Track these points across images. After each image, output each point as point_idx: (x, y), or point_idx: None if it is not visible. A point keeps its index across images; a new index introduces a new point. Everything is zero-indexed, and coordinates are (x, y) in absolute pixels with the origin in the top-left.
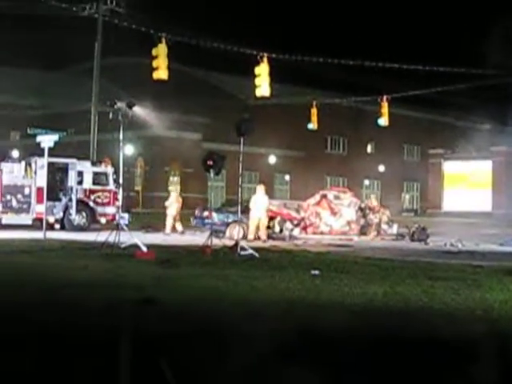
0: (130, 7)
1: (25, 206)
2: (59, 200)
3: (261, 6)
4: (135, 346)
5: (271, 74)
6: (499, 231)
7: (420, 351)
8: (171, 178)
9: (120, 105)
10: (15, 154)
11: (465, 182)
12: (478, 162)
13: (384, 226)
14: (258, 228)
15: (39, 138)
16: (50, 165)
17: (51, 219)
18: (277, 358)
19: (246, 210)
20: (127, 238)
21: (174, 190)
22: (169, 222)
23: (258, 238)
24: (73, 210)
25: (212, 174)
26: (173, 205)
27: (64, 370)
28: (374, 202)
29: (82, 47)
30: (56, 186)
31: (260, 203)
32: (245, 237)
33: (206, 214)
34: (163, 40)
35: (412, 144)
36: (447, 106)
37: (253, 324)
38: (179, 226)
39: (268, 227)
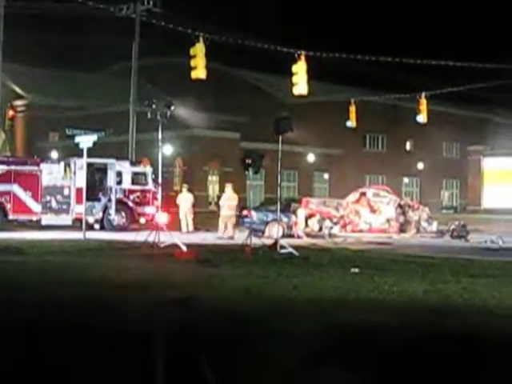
0: (167, 7)
1: (64, 207)
2: (98, 200)
3: (298, 4)
4: (175, 345)
5: (308, 72)
6: None
7: (461, 349)
8: (210, 177)
9: (158, 105)
10: (54, 154)
11: (505, 179)
12: None
13: (424, 224)
14: (226, 225)
15: (78, 139)
16: (89, 165)
17: (91, 219)
18: (316, 357)
19: (285, 209)
20: (167, 237)
21: (186, 187)
22: (183, 221)
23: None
24: (112, 210)
25: (251, 173)
26: (182, 203)
27: (103, 369)
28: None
29: (120, 48)
30: (95, 186)
31: (229, 202)
32: (284, 235)
33: (245, 212)
34: (201, 39)
35: (451, 141)
36: (486, 102)
37: (293, 323)
38: (190, 226)
39: (306, 225)
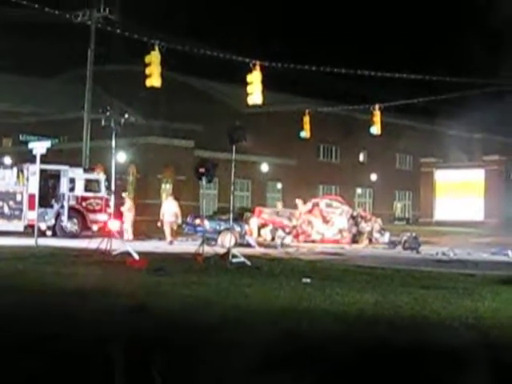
0: (122, 15)
1: (16, 213)
2: (51, 207)
3: (253, 14)
4: (126, 354)
5: (264, 81)
6: (491, 240)
7: (411, 360)
8: (163, 186)
9: (112, 112)
10: (7, 160)
11: (457, 191)
12: (470, 170)
13: (376, 235)
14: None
15: (31, 145)
16: (42, 171)
17: (43, 226)
18: (264, 366)
19: (238, 218)
20: (119, 245)
21: (129, 196)
22: (128, 228)
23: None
24: (64, 217)
25: (204, 182)
26: (130, 211)
27: (55, 379)
28: (279, 206)
29: (75, 54)
30: (48, 192)
31: (169, 209)
32: (236, 244)
33: (197, 221)
34: (156, 47)
35: (404, 153)
36: (440, 115)
37: (243, 332)
38: (130, 234)
39: (259, 235)
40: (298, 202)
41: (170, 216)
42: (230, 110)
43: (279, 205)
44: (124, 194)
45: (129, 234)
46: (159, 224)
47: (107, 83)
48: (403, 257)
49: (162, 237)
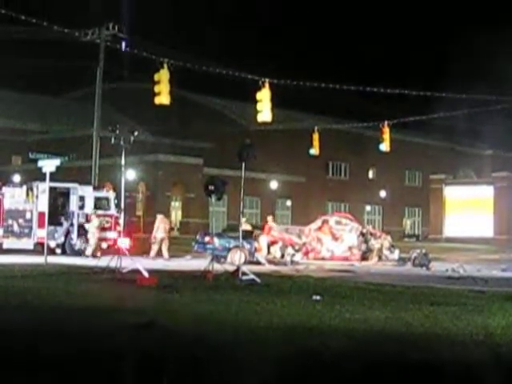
0: (132, 33)
1: (26, 231)
2: (60, 225)
3: (262, 31)
4: (137, 371)
5: (273, 99)
6: (501, 257)
7: (421, 377)
8: (172, 203)
9: (122, 130)
10: (17, 178)
11: (466, 208)
12: (480, 187)
13: (386, 252)
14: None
15: (41, 163)
16: (52, 189)
17: (52, 244)
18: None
19: (247, 235)
20: (128, 263)
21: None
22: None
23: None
24: (74, 235)
25: (213, 199)
26: (97, 228)
27: None
28: (270, 222)
29: (84, 72)
30: (57, 210)
31: (161, 226)
32: (246, 262)
33: (207, 239)
34: (165, 65)
35: (413, 169)
36: (449, 131)
37: (253, 350)
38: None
39: (269, 252)
40: (269, 218)
41: (161, 233)
42: (239, 128)
43: (270, 219)
44: (91, 211)
45: (91, 250)
46: (153, 241)
47: (117, 101)
48: (413, 274)
49: (170, 254)
